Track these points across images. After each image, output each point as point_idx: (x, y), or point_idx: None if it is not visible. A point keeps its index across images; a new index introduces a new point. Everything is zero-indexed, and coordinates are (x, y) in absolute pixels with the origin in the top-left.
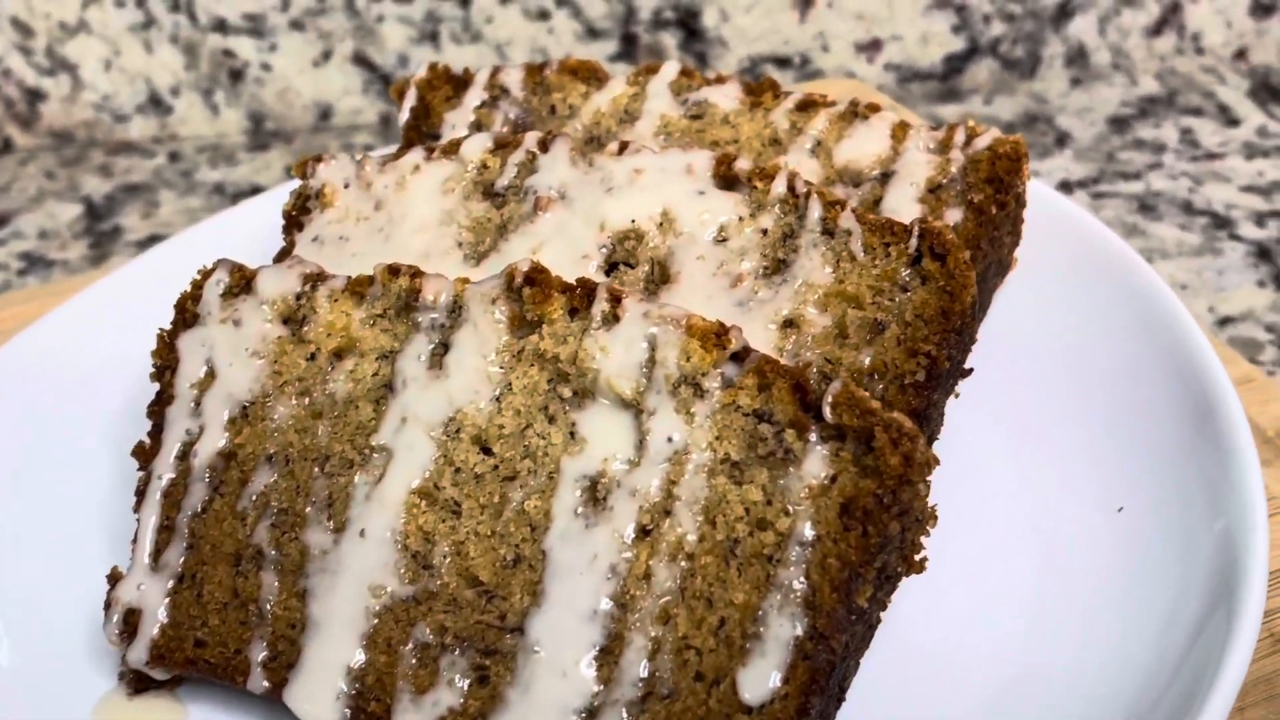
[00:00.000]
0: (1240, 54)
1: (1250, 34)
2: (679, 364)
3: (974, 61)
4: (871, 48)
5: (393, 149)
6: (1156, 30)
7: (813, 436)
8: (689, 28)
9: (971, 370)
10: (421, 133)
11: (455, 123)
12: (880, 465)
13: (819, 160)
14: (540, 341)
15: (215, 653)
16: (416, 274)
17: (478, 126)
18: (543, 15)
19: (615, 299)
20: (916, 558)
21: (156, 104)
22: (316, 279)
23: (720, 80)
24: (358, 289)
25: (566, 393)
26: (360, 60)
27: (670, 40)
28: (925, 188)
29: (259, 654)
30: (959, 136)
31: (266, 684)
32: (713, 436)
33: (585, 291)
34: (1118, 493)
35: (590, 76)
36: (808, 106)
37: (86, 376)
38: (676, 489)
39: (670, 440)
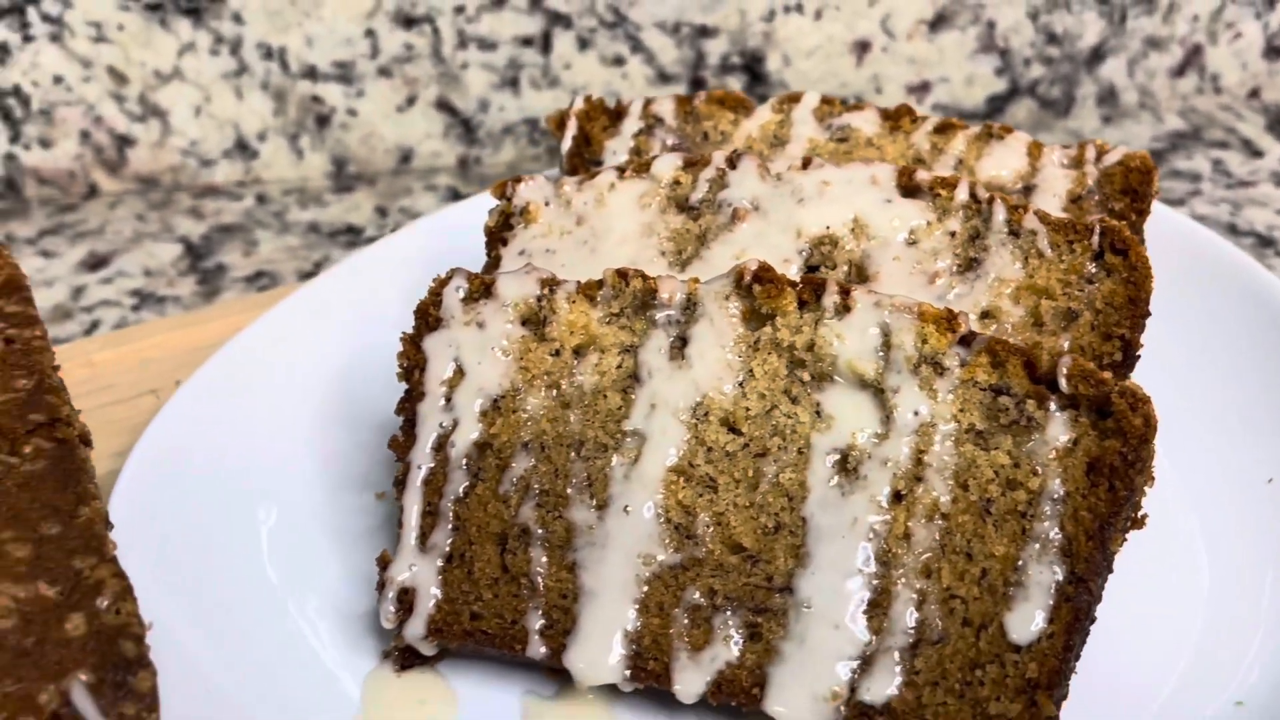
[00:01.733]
0: (1254, 93)
1: (1263, 74)
2: (917, 346)
3: (1014, 101)
4: (921, 89)
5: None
6: (1180, 71)
7: (1052, 405)
8: (754, 71)
9: (1140, 356)
10: (584, 159)
11: (615, 149)
12: (1124, 426)
13: (963, 176)
14: (775, 332)
15: (492, 624)
16: (646, 277)
17: (637, 152)
18: (618, 61)
19: (844, 291)
20: (1138, 515)
21: (243, 149)
22: (553, 283)
23: (859, 107)
24: (588, 292)
25: (806, 376)
26: (443, 105)
27: (736, 84)
28: (1067, 199)
29: (535, 623)
30: (1090, 153)
31: (545, 650)
32: (956, 409)
33: (813, 287)
34: (1266, 465)
35: (737, 105)
36: (946, 129)
37: (283, 388)
38: (926, 457)
39: (916, 414)
